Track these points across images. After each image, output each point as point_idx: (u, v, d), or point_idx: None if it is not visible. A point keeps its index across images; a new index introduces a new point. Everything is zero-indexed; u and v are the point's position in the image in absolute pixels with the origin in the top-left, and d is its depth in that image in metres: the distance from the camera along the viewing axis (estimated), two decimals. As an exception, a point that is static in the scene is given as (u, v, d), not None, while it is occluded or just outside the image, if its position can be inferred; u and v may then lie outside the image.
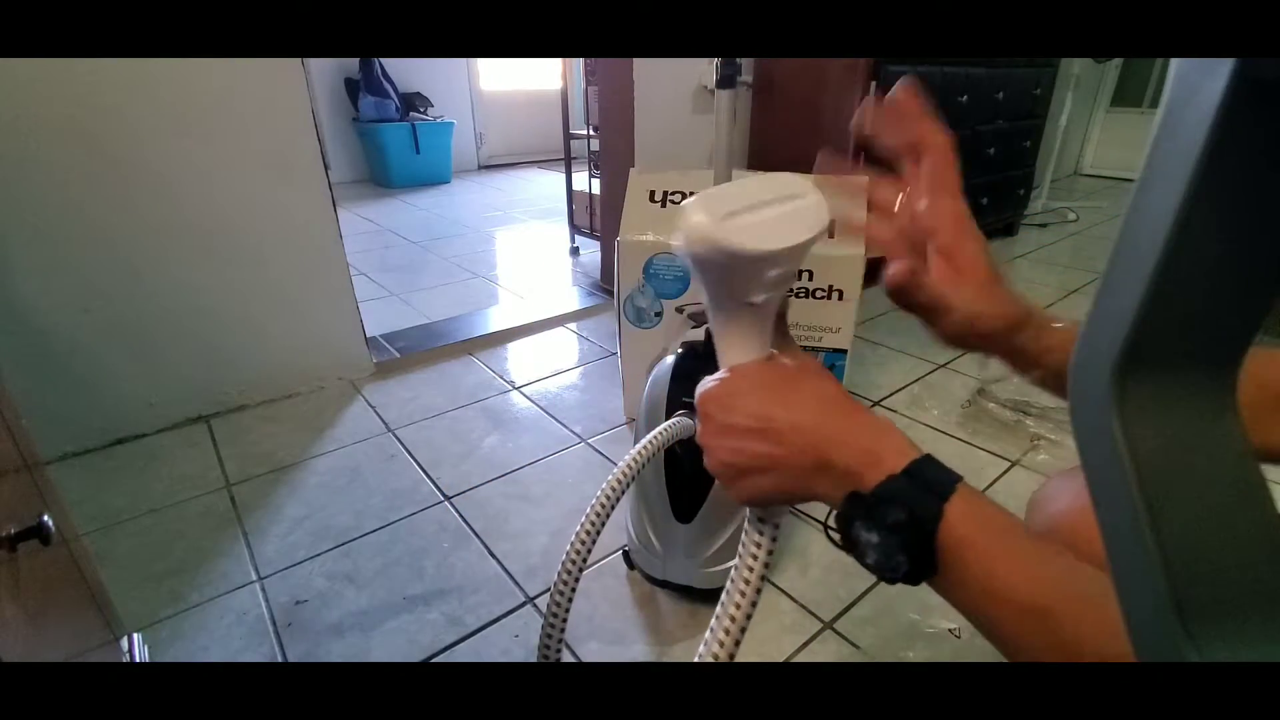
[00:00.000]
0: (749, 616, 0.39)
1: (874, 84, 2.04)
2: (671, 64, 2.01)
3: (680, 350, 1.00)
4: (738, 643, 0.39)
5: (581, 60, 3.01)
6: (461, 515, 1.23)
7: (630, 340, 1.43)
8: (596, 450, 1.42)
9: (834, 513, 0.35)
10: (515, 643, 0.96)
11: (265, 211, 1.48)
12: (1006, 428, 1.50)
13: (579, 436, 1.47)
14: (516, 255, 2.93)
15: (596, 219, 2.66)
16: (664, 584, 1.03)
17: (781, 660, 0.94)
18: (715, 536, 0.97)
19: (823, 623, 1.00)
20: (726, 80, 0.85)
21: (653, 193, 1.38)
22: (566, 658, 0.95)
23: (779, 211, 0.37)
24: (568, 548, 0.64)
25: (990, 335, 0.44)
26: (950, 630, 0.97)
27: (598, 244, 2.58)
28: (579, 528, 0.64)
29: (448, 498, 1.27)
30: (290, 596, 1.04)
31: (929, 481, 0.33)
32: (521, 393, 1.67)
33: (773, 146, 2.31)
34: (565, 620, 0.66)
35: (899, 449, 0.35)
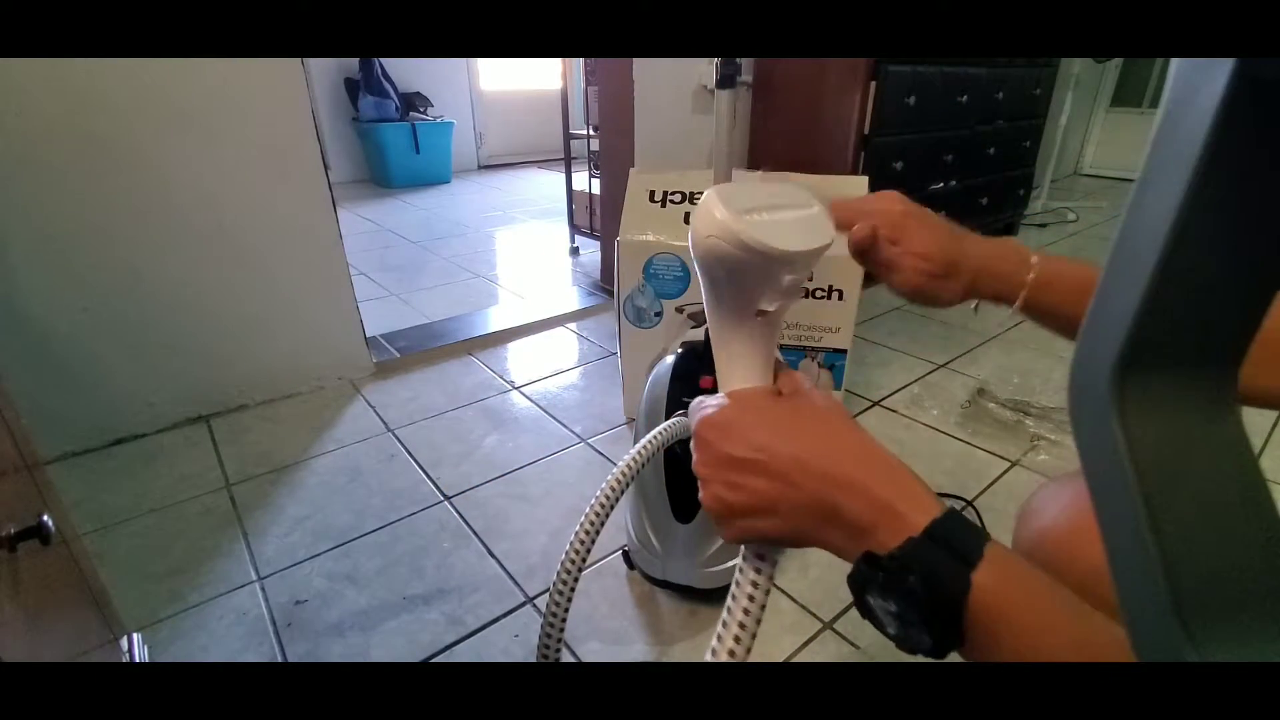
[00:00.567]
0: (749, 651, 0.36)
1: (873, 83, 2.04)
2: (671, 64, 2.01)
3: (680, 350, 1.00)
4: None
5: (581, 60, 3.01)
6: (461, 515, 1.23)
7: (630, 340, 1.43)
8: (596, 450, 1.42)
9: (849, 575, 0.32)
10: (515, 643, 0.96)
11: (265, 211, 1.48)
12: (1006, 428, 1.50)
13: (579, 436, 1.47)
14: (516, 255, 2.93)
15: (596, 219, 2.66)
16: (664, 584, 1.03)
17: (781, 660, 0.94)
18: (715, 536, 0.97)
19: (823, 623, 1.00)
20: (726, 80, 0.85)
21: (653, 193, 1.38)
22: (566, 657, 0.95)
23: (792, 216, 0.37)
24: (567, 548, 0.64)
25: (947, 301, 0.53)
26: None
27: (598, 244, 2.58)
28: (578, 527, 0.64)
29: (448, 498, 1.27)
30: (290, 596, 1.04)
31: (954, 546, 0.29)
32: (521, 393, 1.67)
33: (773, 146, 2.31)
34: (565, 620, 0.66)
35: (918, 502, 0.31)
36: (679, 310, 1.37)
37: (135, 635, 0.90)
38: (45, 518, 0.50)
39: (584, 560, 0.65)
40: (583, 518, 0.65)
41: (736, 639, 0.35)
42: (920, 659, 0.30)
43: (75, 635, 0.66)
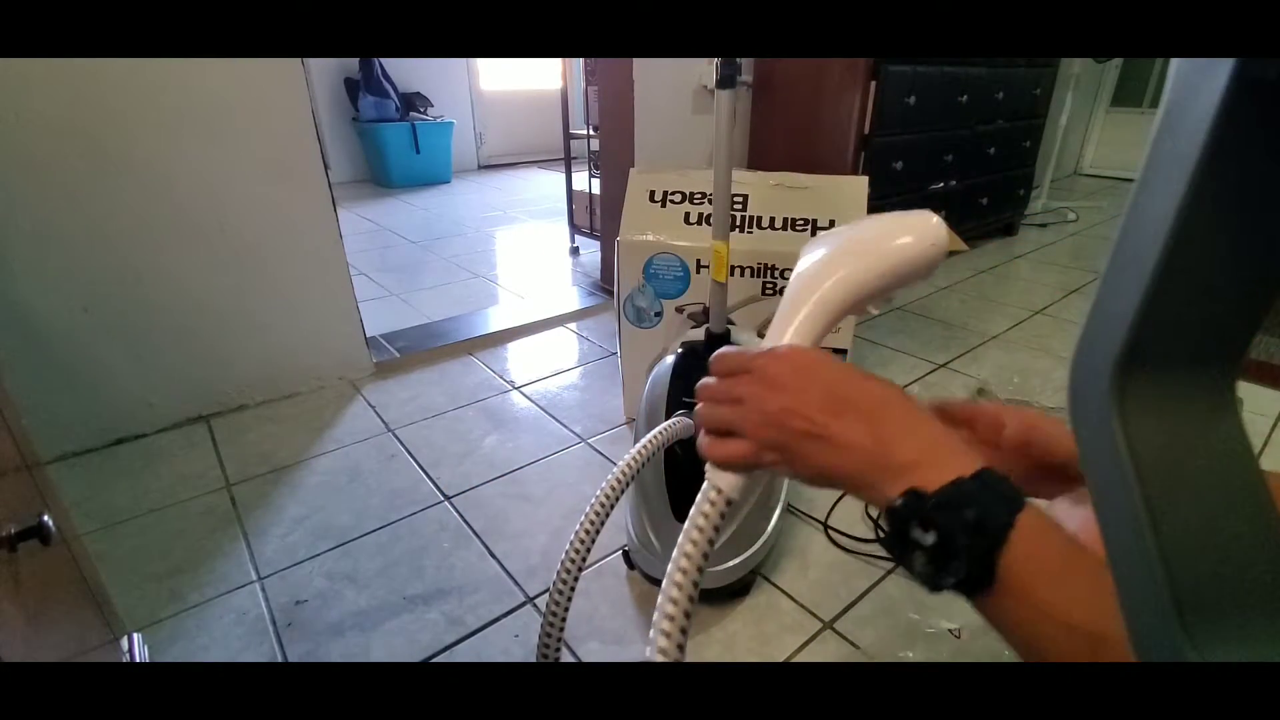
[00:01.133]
0: (692, 600, 0.37)
1: (873, 83, 2.04)
2: (671, 64, 2.01)
3: (680, 350, 1.00)
4: (684, 630, 0.37)
5: (581, 60, 3.01)
6: (461, 515, 1.23)
7: (630, 340, 1.43)
8: (596, 450, 1.42)
9: (885, 509, 0.33)
10: (515, 643, 0.96)
11: (265, 211, 1.48)
12: (1006, 428, 1.50)
13: (579, 436, 1.47)
14: (516, 255, 2.93)
15: (596, 219, 2.66)
16: (664, 584, 1.03)
17: (781, 660, 0.94)
18: (715, 536, 0.97)
19: (823, 623, 1.00)
20: (726, 80, 0.85)
21: (652, 193, 1.38)
22: (566, 657, 0.95)
23: None
24: (567, 547, 0.65)
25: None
26: (950, 630, 0.97)
27: (598, 244, 2.58)
28: (578, 527, 0.64)
29: (448, 497, 1.27)
30: (290, 596, 1.04)
31: (1000, 491, 0.31)
32: (521, 393, 1.67)
33: (773, 146, 2.31)
34: (564, 620, 0.66)
35: (966, 453, 0.34)
36: (679, 310, 1.37)
37: (135, 635, 0.90)
38: (45, 518, 0.50)
39: (584, 560, 0.65)
40: (582, 517, 0.65)
41: (682, 574, 0.38)
42: (919, 659, 0.30)
43: (75, 635, 0.66)
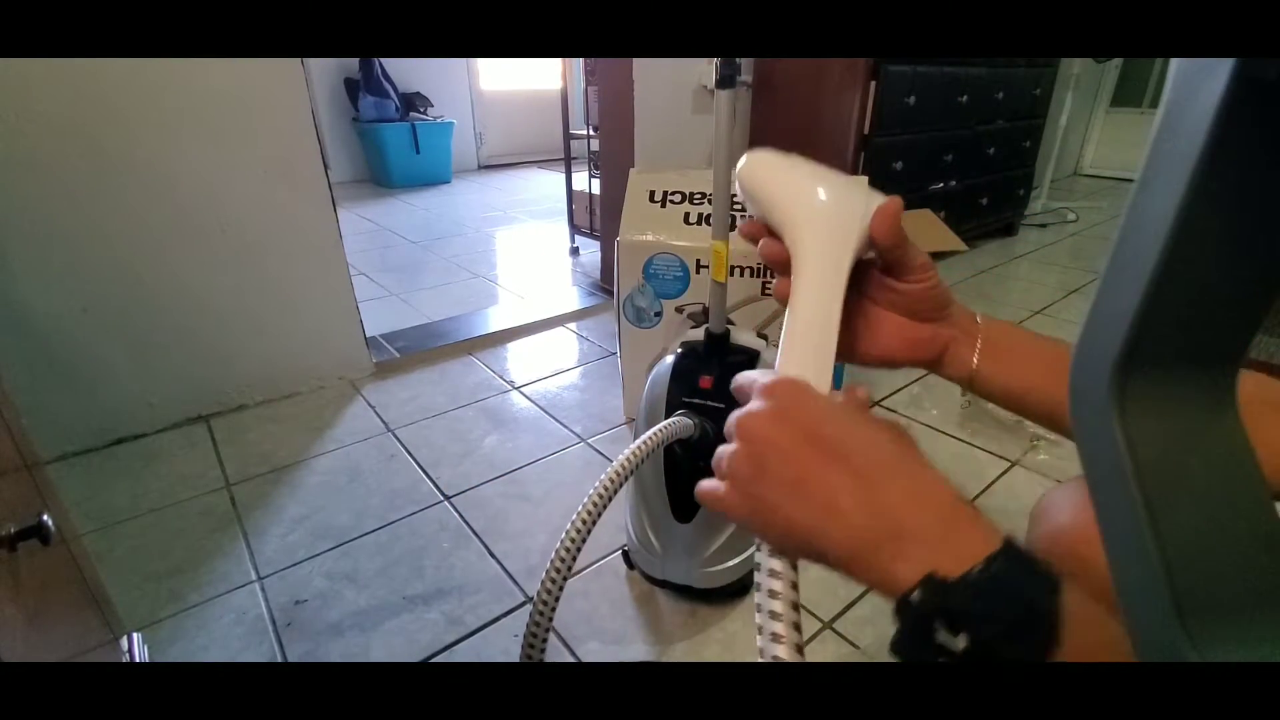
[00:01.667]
0: (799, 648, 0.33)
1: (873, 83, 2.04)
2: (671, 64, 2.01)
3: (680, 350, 1.00)
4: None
5: (581, 60, 3.01)
6: (461, 515, 1.23)
7: (630, 340, 1.43)
8: (596, 450, 1.42)
9: (897, 602, 0.27)
10: (515, 643, 0.96)
11: (265, 211, 1.48)
12: (1006, 428, 1.50)
13: (579, 436, 1.47)
14: (516, 255, 2.93)
15: (596, 219, 2.66)
16: (663, 584, 1.03)
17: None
18: (715, 536, 0.97)
19: (823, 623, 1.00)
20: (726, 80, 0.85)
21: (652, 193, 1.38)
22: (566, 658, 0.95)
23: None
24: (557, 545, 0.64)
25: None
26: (950, 630, 0.97)
27: (598, 244, 2.57)
28: (569, 525, 0.64)
29: (447, 497, 1.27)
30: (290, 596, 1.04)
31: (1035, 570, 0.25)
32: (521, 393, 1.67)
33: (772, 146, 2.31)
34: (551, 619, 0.66)
35: (980, 518, 0.27)
36: (679, 310, 1.37)
37: (135, 635, 0.90)
38: (45, 517, 0.50)
39: (574, 559, 0.65)
40: (574, 516, 0.65)
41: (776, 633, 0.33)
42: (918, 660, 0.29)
43: (75, 635, 0.66)
